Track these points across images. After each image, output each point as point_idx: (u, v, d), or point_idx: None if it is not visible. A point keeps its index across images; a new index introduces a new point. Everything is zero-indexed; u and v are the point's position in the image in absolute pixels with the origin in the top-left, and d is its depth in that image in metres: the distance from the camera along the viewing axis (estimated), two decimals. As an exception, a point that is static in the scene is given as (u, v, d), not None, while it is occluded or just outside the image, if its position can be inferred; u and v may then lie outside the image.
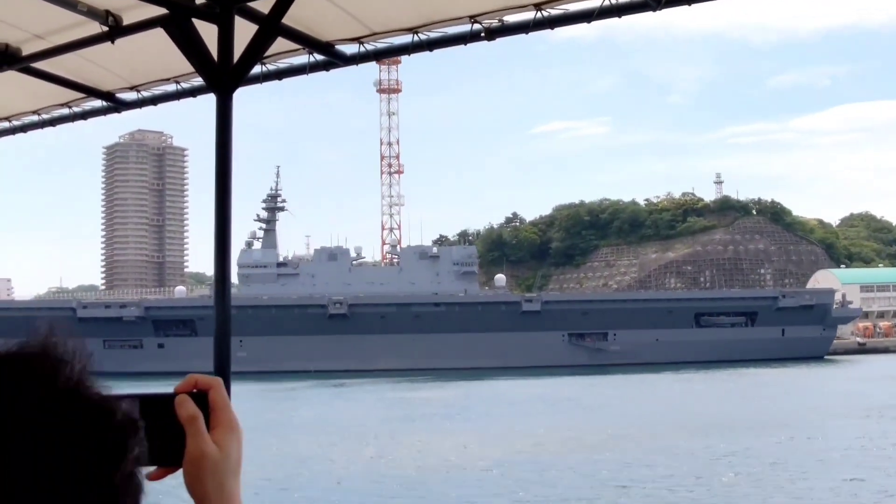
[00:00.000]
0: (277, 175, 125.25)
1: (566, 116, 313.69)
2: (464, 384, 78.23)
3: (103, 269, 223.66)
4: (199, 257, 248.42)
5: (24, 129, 7.36)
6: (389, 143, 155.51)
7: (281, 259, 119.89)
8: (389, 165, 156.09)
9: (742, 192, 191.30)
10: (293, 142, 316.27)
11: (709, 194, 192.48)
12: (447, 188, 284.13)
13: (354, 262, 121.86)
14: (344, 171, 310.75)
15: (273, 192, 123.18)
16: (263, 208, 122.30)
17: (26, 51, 5.97)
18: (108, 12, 5.35)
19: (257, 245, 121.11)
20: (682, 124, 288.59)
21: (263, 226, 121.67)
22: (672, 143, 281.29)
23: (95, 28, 5.44)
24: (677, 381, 76.77)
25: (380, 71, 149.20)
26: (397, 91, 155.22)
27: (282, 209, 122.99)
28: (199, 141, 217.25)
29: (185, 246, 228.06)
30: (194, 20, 5.07)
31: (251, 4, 5.15)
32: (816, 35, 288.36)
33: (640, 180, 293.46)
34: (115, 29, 5.41)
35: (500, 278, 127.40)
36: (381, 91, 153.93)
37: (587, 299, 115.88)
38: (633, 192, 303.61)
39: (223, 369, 4.95)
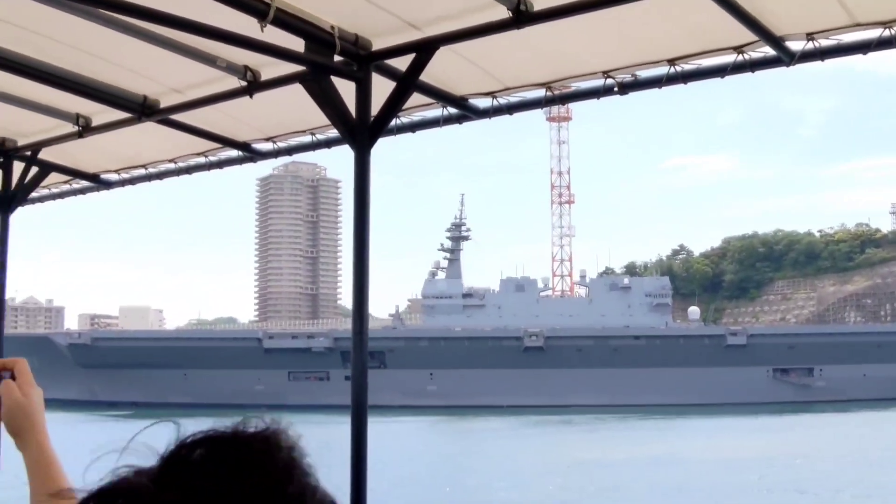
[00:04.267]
0: (462, 203, 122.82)
1: (694, 150, 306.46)
2: (687, 422, 73.46)
3: (256, 301, 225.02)
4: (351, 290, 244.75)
5: (160, 176, 7.43)
6: (560, 173, 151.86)
7: (466, 289, 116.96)
8: (560, 195, 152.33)
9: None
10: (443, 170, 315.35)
11: (884, 225, 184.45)
12: (591, 219, 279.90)
13: (541, 293, 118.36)
14: (509, 200, 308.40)
15: (457, 220, 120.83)
16: (448, 237, 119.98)
17: (164, 103, 6.00)
18: (246, 68, 5.36)
19: (441, 275, 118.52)
20: (813, 157, 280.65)
21: (448, 255, 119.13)
22: (801, 177, 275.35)
23: (234, 83, 5.46)
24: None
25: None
26: (567, 119, 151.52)
27: (466, 238, 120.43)
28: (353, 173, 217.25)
29: (339, 278, 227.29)
30: (332, 77, 5.05)
31: (388, 62, 5.13)
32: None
33: (778, 213, 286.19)
34: (254, 84, 5.42)
35: (695, 311, 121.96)
36: (550, 119, 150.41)
37: (794, 332, 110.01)
38: (777, 223, 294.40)
39: (360, 407, 4.91)
